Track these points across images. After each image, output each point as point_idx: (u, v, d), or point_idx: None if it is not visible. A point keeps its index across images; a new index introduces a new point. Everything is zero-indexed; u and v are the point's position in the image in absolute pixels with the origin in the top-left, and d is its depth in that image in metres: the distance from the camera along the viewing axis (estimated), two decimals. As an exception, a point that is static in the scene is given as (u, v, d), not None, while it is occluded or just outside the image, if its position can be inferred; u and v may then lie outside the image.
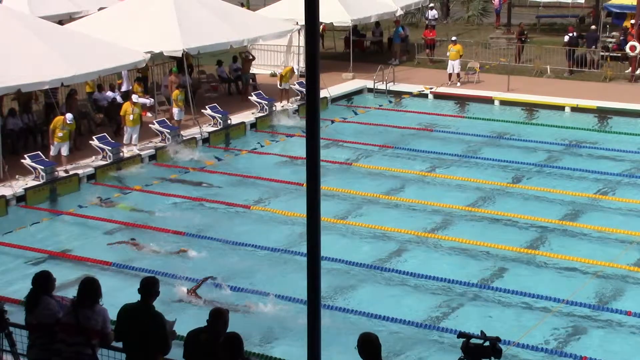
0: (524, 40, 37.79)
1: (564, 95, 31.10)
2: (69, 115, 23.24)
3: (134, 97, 25.58)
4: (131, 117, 24.93)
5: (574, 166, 24.13)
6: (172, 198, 22.06)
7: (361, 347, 7.72)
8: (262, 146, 26.89)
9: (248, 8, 41.96)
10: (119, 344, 9.66)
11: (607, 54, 35.26)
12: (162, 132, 25.98)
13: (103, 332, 9.57)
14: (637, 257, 18.31)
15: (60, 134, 23.02)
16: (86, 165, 23.85)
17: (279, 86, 30.89)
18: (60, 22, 31.55)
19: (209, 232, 19.81)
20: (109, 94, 28.27)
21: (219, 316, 9.03)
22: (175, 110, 27.14)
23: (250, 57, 32.68)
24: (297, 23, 31.16)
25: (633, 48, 33.80)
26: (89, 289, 9.57)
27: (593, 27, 37.52)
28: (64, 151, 23.23)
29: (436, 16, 42.46)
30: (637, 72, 33.91)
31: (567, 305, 16.00)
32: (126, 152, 24.79)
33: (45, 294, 9.95)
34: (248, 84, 32.09)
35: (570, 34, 35.52)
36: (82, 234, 20.15)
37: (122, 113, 25.23)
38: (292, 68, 31.44)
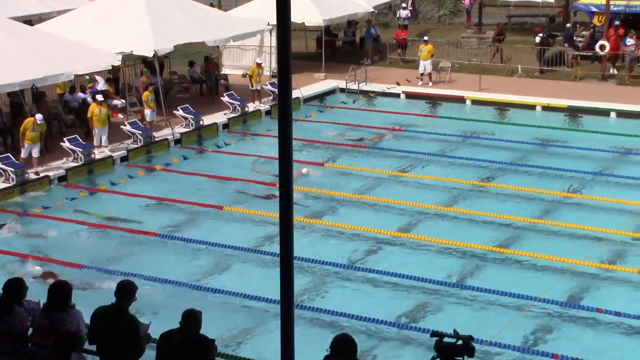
0: (501, 40, 37.88)
1: (535, 95, 31.30)
2: (39, 116, 23.06)
3: (99, 97, 25.46)
4: (97, 117, 24.76)
5: (545, 165, 24.28)
6: (142, 199, 21.97)
7: (336, 348, 7.66)
8: (227, 144, 26.88)
9: (219, 8, 41.85)
10: (93, 347, 9.61)
11: (577, 53, 35.53)
12: (133, 134, 25.87)
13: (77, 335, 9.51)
14: (608, 254, 18.45)
15: (30, 136, 22.85)
16: (57, 167, 23.69)
17: (250, 87, 30.86)
18: (30, 23, 31.31)
19: (181, 233, 19.76)
20: (80, 95, 28.10)
21: (191, 317, 9.01)
22: (147, 111, 27.03)
23: (214, 57, 32.50)
24: (269, 23, 31.13)
25: (603, 47, 34.08)
26: (61, 293, 9.51)
27: (568, 25, 37.81)
28: (35, 153, 23.05)
29: (409, 16, 42.57)
30: (613, 71, 34.20)
31: (539, 303, 16.09)
32: (97, 153, 24.65)
33: (17, 300, 9.87)
34: (214, 86, 31.91)
35: (540, 35, 35.73)
36: (50, 234, 20.01)
37: (88, 115, 25.09)
38: (257, 64, 31.30)
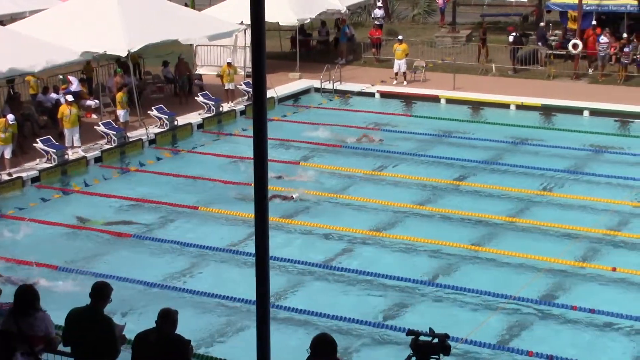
0: (485, 39, 37.89)
1: (509, 93, 31.44)
2: (10, 117, 22.89)
3: (69, 98, 25.31)
4: (67, 118, 24.61)
5: (519, 163, 24.40)
6: (117, 200, 21.87)
7: (316, 348, 7.63)
8: (201, 145, 26.82)
9: (193, 8, 41.70)
10: (67, 349, 9.54)
11: (550, 52, 35.74)
12: (107, 134, 25.74)
13: (47, 338, 9.43)
14: (583, 252, 18.56)
15: (2, 136, 22.67)
16: (30, 168, 23.53)
17: (224, 87, 30.83)
18: (2, 23, 31.06)
19: (156, 233, 19.69)
20: (53, 95, 27.92)
21: (167, 316, 8.97)
22: (120, 112, 26.91)
23: (184, 57, 32.39)
24: (242, 22, 31.05)
25: (576, 46, 34.29)
26: (27, 297, 9.42)
27: (542, 24, 38.02)
28: (7, 154, 22.86)
29: (384, 15, 42.61)
30: (590, 70, 34.40)
31: (514, 301, 16.17)
32: (71, 154, 24.51)
33: None
34: (185, 86, 31.78)
35: (514, 34, 35.89)
36: (24, 236, 19.88)
37: (59, 116, 24.94)
38: (227, 64, 31.29)
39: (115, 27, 27.47)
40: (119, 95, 26.85)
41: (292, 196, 21.51)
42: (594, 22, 35.06)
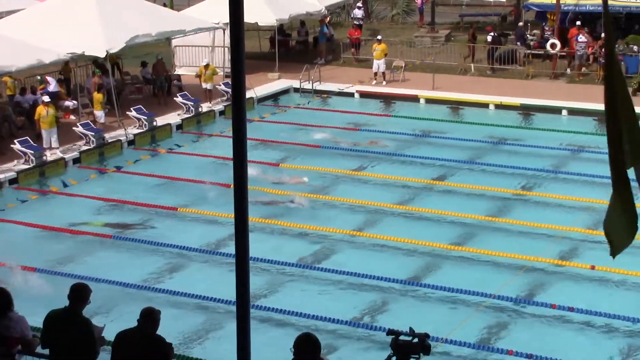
0: (476, 39, 37.95)
1: (488, 93, 31.54)
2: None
3: (46, 98, 25.17)
4: (44, 119, 24.48)
5: (498, 162, 24.47)
6: (95, 201, 21.77)
7: (299, 348, 7.62)
8: (180, 146, 26.75)
9: (172, 8, 41.61)
10: (46, 351, 9.48)
11: (528, 51, 35.89)
12: (86, 135, 25.61)
13: (24, 340, 9.37)
14: (561, 250, 18.64)
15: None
16: (8, 169, 23.38)
17: (202, 86, 30.78)
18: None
19: (135, 234, 19.61)
20: (31, 96, 27.76)
21: (149, 315, 8.95)
22: (97, 113, 26.79)
23: (161, 57, 32.29)
24: (219, 22, 30.97)
25: (554, 46, 34.45)
26: (2, 299, 9.36)
27: (520, 23, 38.18)
28: (-15, 155, 22.77)
29: (363, 15, 42.63)
30: (572, 70, 34.55)
31: (494, 300, 16.22)
32: (49, 155, 24.37)
33: None
34: (163, 86, 31.69)
35: (492, 34, 36.01)
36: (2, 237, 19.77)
37: (35, 117, 24.81)
38: (204, 65, 31.28)
39: (93, 28, 27.37)
40: (97, 96, 26.72)
41: (291, 200, 21.39)
42: (578, 23, 35.16)
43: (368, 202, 21.43)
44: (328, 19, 39.66)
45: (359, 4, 43.02)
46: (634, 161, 4.70)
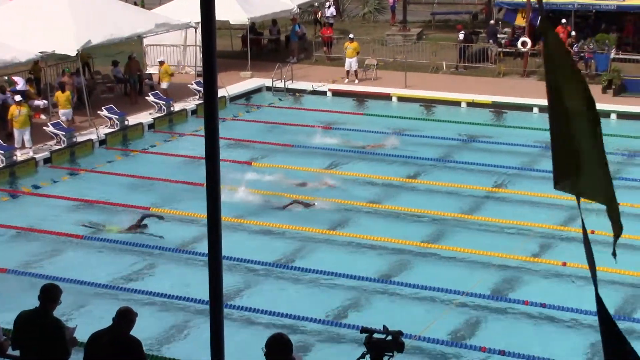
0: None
1: (460, 91, 31.67)
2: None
3: (17, 98, 24.99)
4: (16, 119, 24.30)
5: (471, 160, 24.57)
6: (67, 201, 21.64)
7: (271, 347, 7.61)
8: (153, 145, 26.64)
9: (143, 6, 41.42)
10: (16, 352, 9.40)
11: (500, 49, 36.07)
12: (57, 135, 25.43)
13: None
14: (534, 247, 18.75)
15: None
16: (-22, 169, 23.21)
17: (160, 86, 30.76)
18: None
19: (106, 235, 19.50)
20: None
21: (125, 315, 8.91)
22: (62, 111, 26.65)
23: (135, 56, 32.18)
24: (192, 22, 30.90)
25: (525, 44, 34.64)
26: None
27: (492, 22, 38.36)
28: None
29: (334, 13, 42.64)
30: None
31: (468, 297, 16.28)
32: (20, 155, 24.18)
33: None
34: (136, 85, 31.56)
35: (463, 32, 36.17)
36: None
37: (8, 116, 24.62)
38: (160, 63, 31.25)
39: (63, 27, 27.19)
40: (63, 95, 26.56)
41: (314, 203, 21.24)
42: (563, 20, 35.33)
43: (340, 201, 21.43)
44: (274, 22, 39.50)
45: (327, 3, 42.97)
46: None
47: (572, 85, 4.27)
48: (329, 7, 42.64)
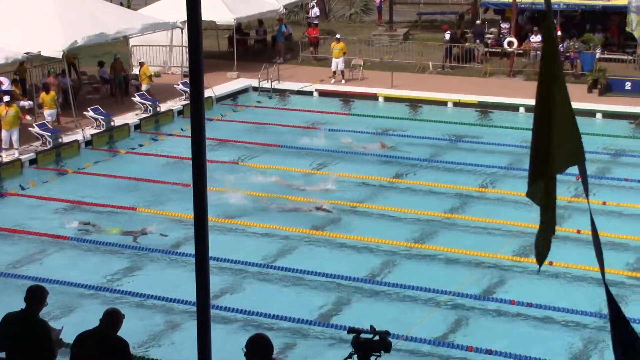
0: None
1: (447, 91, 31.73)
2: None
3: (6, 98, 24.91)
4: (4, 119, 24.22)
5: (457, 160, 24.62)
6: (54, 202, 21.57)
7: (251, 348, 7.61)
8: (139, 145, 26.58)
9: (129, 7, 41.32)
10: (2, 354, 9.37)
11: (486, 49, 36.17)
12: (42, 136, 25.34)
13: None
14: (520, 246, 18.79)
15: None
16: (-37, 170, 23.11)
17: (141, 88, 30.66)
18: None
19: (92, 236, 19.44)
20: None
21: (112, 316, 8.89)
22: (47, 112, 26.57)
23: (119, 57, 32.07)
24: (178, 21, 30.85)
25: (511, 44, 34.75)
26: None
27: (478, 21, 38.45)
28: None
29: (317, 14, 42.60)
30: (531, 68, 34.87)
31: (454, 297, 16.31)
32: (5, 156, 24.08)
33: None
34: (122, 87, 31.48)
35: (449, 32, 36.26)
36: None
37: None
38: (141, 64, 31.23)
39: (49, 27, 27.12)
40: (49, 95, 26.47)
41: (325, 208, 21.14)
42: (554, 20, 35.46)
43: (326, 201, 21.43)
44: (260, 22, 39.38)
45: (312, 3, 42.94)
46: (566, 166, 4.67)
47: (561, 87, 4.33)
48: (313, 7, 42.59)
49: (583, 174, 4.61)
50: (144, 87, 30.63)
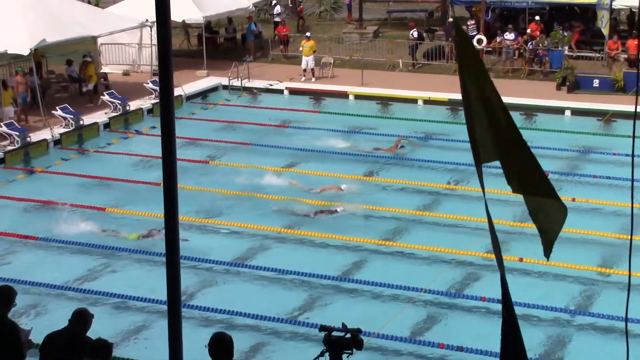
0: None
1: (417, 89, 31.79)
2: None
3: None
4: None
5: (427, 157, 24.68)
6: (21, 202, 21.39)
7: (213, 346, 7.68)
8: (109, 144, 26.42)
9: (97, 5, 41.06)
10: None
11: (455, 47, 36.27)
12: (10, 135, 25.11)
13: None
14: (490, 243, 18.81)
15: None
16: None
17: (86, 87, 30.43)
18: None
19: (63, 236, 19.29)
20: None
21: (79, 316, 8.83)
22: (6, 109, 26.36)
23: (87, 57, 31.76)
24: (147, 20, 30.70)
25: (480, 41, 34.88)
26: None
27: (450, 19, 38.58)
28: None
29: (279, 11, 42.39)
30: (502, 66, 34.92)
31: (425, 294, 16.36)
32: (-28, 156, 23.89)
33: None
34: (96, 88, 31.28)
35: (416, 30, 36.35)
36: None
37: None
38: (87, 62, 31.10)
39: (16, 25, 26.87)
40: (6, 93, 26.31)
41: (336, 210, 21.03)
42: (537, 17, 35.60)
43: (297, 199, 21.41)
44: (229, 20, 39.20)
45: (274, 1, 42.78)
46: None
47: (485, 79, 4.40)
48: (275, 4, 42.45)
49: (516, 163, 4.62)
50: (90, 85, 30.30)
